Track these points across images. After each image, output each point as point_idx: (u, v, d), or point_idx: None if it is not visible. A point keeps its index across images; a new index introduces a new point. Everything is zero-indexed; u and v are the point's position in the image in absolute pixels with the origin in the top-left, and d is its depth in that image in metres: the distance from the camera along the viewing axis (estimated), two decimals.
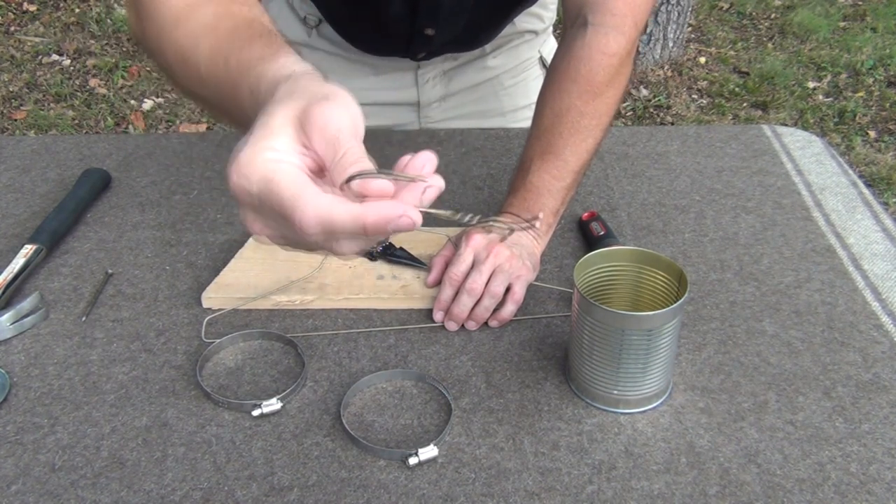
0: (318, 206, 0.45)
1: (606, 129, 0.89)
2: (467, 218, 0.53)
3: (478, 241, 0.82)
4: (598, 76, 0.85)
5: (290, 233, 0.48)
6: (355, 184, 0.47)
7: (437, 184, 0.48)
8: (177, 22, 0.61)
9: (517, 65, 1.16)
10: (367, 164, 0.47)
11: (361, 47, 1.06)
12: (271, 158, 0.47)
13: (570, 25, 0.89)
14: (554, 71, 0.89)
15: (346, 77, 1.12)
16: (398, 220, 0.46)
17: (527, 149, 0.89)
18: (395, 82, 1.12)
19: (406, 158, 0.50)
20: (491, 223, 0.63)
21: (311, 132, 0.48)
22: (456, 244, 0.85)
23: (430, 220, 0.98)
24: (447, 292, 0.81)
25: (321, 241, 0.48)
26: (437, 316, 0.82)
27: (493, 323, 0.81)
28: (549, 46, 1.20)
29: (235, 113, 0.57)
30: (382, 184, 0.47)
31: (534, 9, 1.11)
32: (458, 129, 1.16)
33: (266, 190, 0.46)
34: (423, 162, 0.49)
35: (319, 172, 0.49)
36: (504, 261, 0.81)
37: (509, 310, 0.81)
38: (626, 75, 0.89)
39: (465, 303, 0.80)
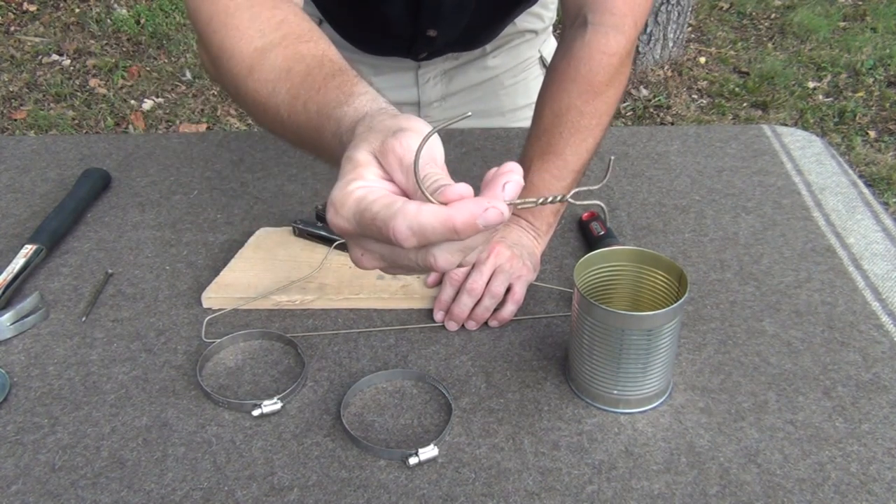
0: (406, 213, 0.45)
1: (606, 128, 0.89)
2: (550, 199, 0.53)
3: (504, 252, 0.82)
4: (598, 76, 0.85)
5: (390, 252, 0.48)
6: (436, 196, 0.47)
7: (516, 179, 0.47)
8: (251, 70, 0.62)
9: (517, 64, 1.16)
10: (450, 182, 0.48)
11: (362, 48, 1.07)
12: (361, 186, 0.48)
13: (570, 25, 0.89)
14: (553, 70, 0.89)
15: None
16: (486, 214, 0.45)
17: (527, 148, 0.89)
18: (395, 82, 1.12)
19: (492, 171, 0.49)
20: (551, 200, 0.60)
21: (391, 164, 0.48)
22: None
23: None
24: (447, 292, 0.81)
25: (419, 255, 0.48)
26: (438, 316, 0.82)
27: (492, 323, 0.81)
28: (550, 46, 1.20)
29: (321, 152, 0.58)
30: (461, 187, 0.46)
31: (534, 8, 1.11)
32: (459, 129, 1.16)
33: (360, 214, 0.47)
34: (510, 168, 0.48)
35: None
36: (505, 261, 0.81)
37: (509, 310, 0.81)
38: (626, 75, 0.89)
39: (466, 303, 0.80)
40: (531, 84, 1.19)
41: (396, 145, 0.48)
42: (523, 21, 1.11)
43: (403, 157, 0.48)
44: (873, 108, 3.17)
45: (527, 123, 1.20)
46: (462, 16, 0.98)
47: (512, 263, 0.82)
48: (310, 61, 0.60)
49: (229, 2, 0.65)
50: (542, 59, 1.18)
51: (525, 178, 0.81)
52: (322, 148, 0.58)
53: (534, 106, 1.21)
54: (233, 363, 0.78)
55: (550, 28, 1.19)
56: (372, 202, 0.47)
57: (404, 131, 0.49)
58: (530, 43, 1.15)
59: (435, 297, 0.83)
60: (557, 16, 1.10)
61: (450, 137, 1.14)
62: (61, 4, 3.93)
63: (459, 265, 0.49)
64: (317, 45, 0.62)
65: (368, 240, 0.49)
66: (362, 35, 1.05)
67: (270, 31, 0.63)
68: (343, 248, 0.90)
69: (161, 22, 3.66)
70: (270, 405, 0.72)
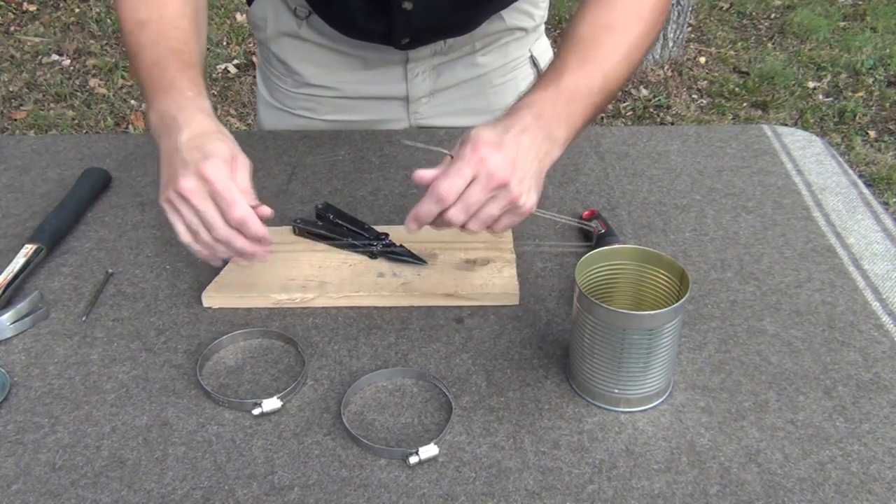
0: (245, 207, 0.72)
1: (640, 61, 0.84)
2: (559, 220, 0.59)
3: (490, 159, 0.70)
4: (644, 4, 0.83)
5: (208, 206, 0.72)
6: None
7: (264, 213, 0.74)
8: (129, 33, 0.85)
9: (507, 63, 1.15)
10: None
11: (345, 31, 1.05)
12: (227, 170, 0.73)
13: None
14: (586, 8, 0.84)
15: (335, 70, 1.12)
16: (266, 238, 0.75)
17: (562, 52, 0.81)
18: (384, 77, 1.11)
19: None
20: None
21: (238, 169, 0.75)
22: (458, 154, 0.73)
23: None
24: (428, 207, 0.72)
25: (222, 225, 0.72)
26: (411, 226, 0.75)
27: (448, 224, 0.73)
28: (541, 45, 1.20)
29: (155, 101, 0.80)
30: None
31: (524, 6, 1.10)
32: (459, 129, 1.15)
33: (226, 189, 0.71)
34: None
35: None
36: (493, 170, 0.71)
37: (474, 227, 0.73)
38: (662, 23, 0.85)
39: (430, 208, 0.72)
40: (521, 83, 1.18)
41: (245, 161, 0.76)
42: (513, 18, 1.11)
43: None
44: (873, 108, 3.17)
45: None
46: None
47: (504, 180, 0.71)
48: (173, 44, 0.82)
49: None
50: (532, 58, 1.18)
51: (558, 78, 0.79)
52: (159, 100, 0.79)
53: None
54: (233, 362, 0.78)
55: (542, 27, 1.19)
56: (231, 178, 0.72)
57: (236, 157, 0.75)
58: (520, 42, 1.15)
59: (435, 294, 0.84)
60: (553, 12, 1.08)
61: (450, 137, 1.14)
62: (61, 4, 3.93)
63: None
64: (181, 33, 0.84)
65: (205, 191, 0.72)
66: (343, 15, 1.03)
67: (151, 11, 0.85)
68: (344, 246, 0.90)
69: None
70: (271, 404, 0.72)
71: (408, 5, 0.97)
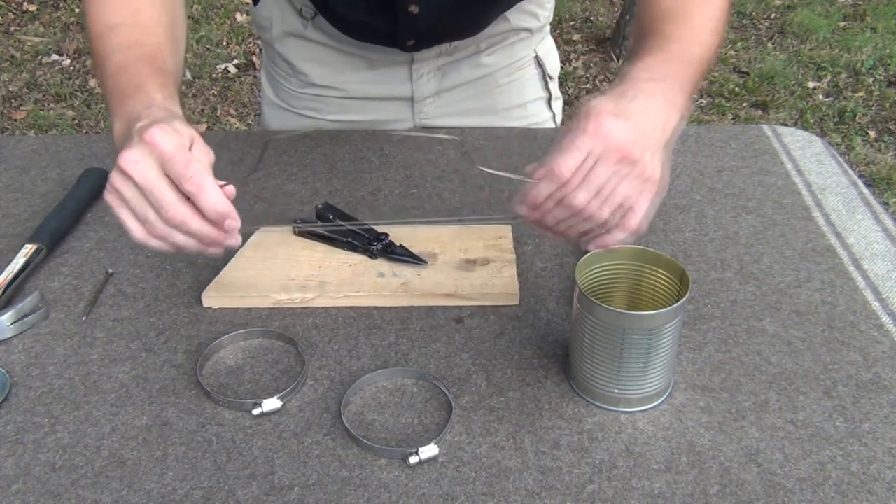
0: (204, 174, 0.62)
1: (723, 41, 0.78)
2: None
3: (614, 130, 0.61)
4: None
5: (159, 179, 0.62)
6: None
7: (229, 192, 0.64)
8: (98, 37, 0.78)
9: (511, 63, 1.15)
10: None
11: (351, 33, 1.06)
12: (184, 142, 0.64)
13: None
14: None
15: (340, 70, 1.12)
16: (232, 223, 0.64)
17: (655, 24, 0.75)
18: (389, 76, 1.12)
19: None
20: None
21: (195, 152, 0.65)
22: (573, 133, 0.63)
23: (431, 215, 0.98)
24: (544, 187, 0.62)
25: (174, 203, 0.61)
26: (524, 210, 0.65)
27: (592, 246, 0.65)
28: (546, 46, 1.20)
29: (118, 107, 0.72)
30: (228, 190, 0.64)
31: (529, 7, 1.10)
32: (458, 129, 1.16)
33: (181, 152, 0.61)
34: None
35: None
36: (619, 144, 0.61)
37: (616, 237, 0.64)
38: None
39: (543, 189, 0.61)
40: (526, 83, 1.18)
41: (207, 148, 0.66)
42: (518, 19, 1.11)
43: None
44: (873, 108, 3.17)
45: (520, 123, 1.20)
46: None
47: (630, 153, 0.61)
48: (146, 51, 0.76)
49: None
50: (537, 58, 1.18)
51: (665, 46, 0.73)
52: (122, 106, 0.71)
53: (528, 105, 1.21)
54: (233, 362, 0.78)
55: (547, 28, 1.19)
56: (202, 144, 0.64)
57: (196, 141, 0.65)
58: (525, 42, 1.15)
59: (436, 294, 0.84)
60: (555, 16, 1.09)
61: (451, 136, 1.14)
62: (61, 4, 3.93)
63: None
64: (155, 39, 0.78)
65: (156, 162, 0.61)
66: (349, 16, 1.03)
67: (124, 15, 0.78)
68: (344, 247, 0.90)
69: None
70: (271, 404, 0.72)
71: (413, 8, 0.98)
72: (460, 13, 1.02)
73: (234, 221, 0.63)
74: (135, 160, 0.61)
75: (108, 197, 0.64)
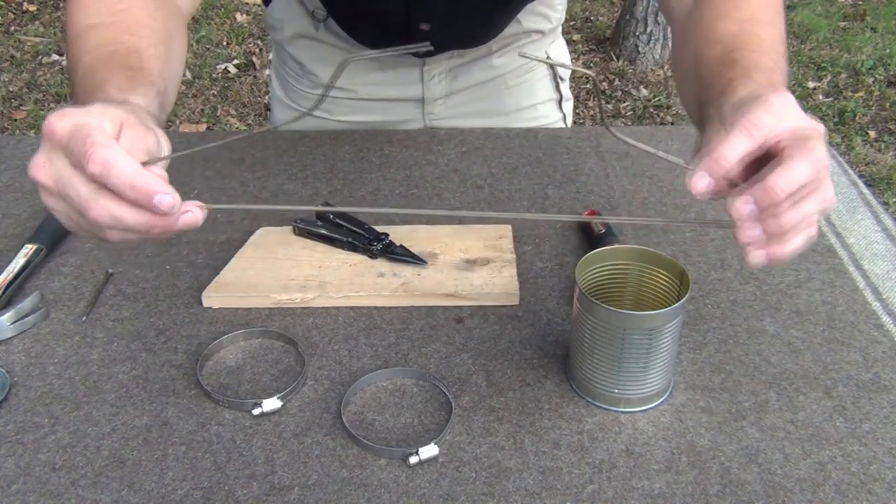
0: (110, 146, 0.50)
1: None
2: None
3: (818, 150, 0.56)
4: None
5: (68, 175, 0.51)
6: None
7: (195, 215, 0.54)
8: (76, 39, 0.70)
9: (522, 65, 1.16)
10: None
11: (362, 41, 1.07)
12: (93, 120, 0.53)
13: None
14: (693, 29, 0.74)
15: (352, 72, 1.12)
16: (163, 198, 0.51)
17: (732, 54, 0.68)
18: (399, 78, 1.12)
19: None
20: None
21: (123, 137, 0.54)
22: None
23: (428, 218, 0.98)
24: (750, 200, 0.55)
25: (92, 201, 0.51)
26: (756, 256, 0.58)
27: (755, 258, 0.58)
28: (557, 48, 1.20)
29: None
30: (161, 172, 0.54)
31: (541, 9, 1.11)
32: (459, 129, 1.16)
33: (79, 130, 0.51)
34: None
35: None
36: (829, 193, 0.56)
37: (792, 246, 0.57)
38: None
39: (788, 223, 0.55)
40: (536, 85, 1.19)
41: (146, 132, 0.55)
42: (529, 21, 1.11)
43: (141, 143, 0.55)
44: (873, 108, 3.17)
45: (530, 124, 1.20)
46: (456, 12, 0.97)
47: (824, 174, 0.55)
48: (121, 49, 0.66)
49: None
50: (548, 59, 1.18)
51: (757, 60, 0.66)
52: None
53: (538, 107, 1.21)
54: (233, 362, 0.78)
55: (559, 29, 1.19)
56: (93, 131, 0.51)
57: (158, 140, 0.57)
58: (537, 44, 1.15)
59: (436, 293, 0.84)
60: (567, 16, 1.09)
61: (451, 136, 1.14)
62: (61, 4, 3.93)
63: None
64: (139, 40, 0.68)
65: (62, 155, 0.52)
66: (361, 27, 1.04)
67: (107, 15, 0.70)
68: (344, 247, 0.90)
69: None
70: (271, 404, 0.72)
71: (425, 27, 0.98)
72: (471, 27, 1.03)
73: (166, 196, 0.51)
74: (41, 164, 0.53)
75: (41, 195, 0.55)
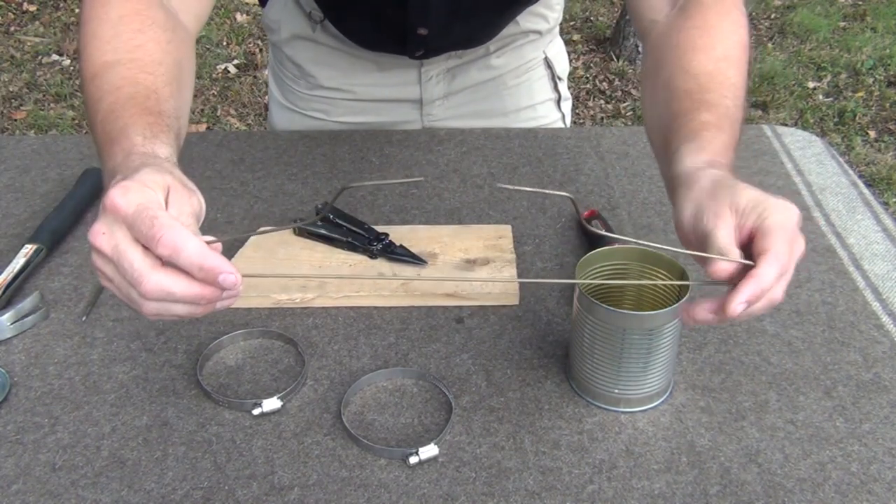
0: (176, 228, 0.53)
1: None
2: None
3: (798, 247, 0.62)
4: (735, 37, 0.76)
5: (127, 251, 0.54)
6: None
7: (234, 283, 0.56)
8: (93, 77, 0.71)
9: (521, 65, 1.16)
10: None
11: (360, 43, 1.07)
12: (154, 197, 0.56)
13: (668, 17, 0.80)
14: (667, 55, 0.78)
15: (349, 73, 1.12)
16: (226, 276, 0.54)
17: (688, 113, 0.74)
18: (398, 79, 1.12)
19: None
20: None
21: (171, 204, 0.57)
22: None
23: (428, 218, 0.98)
24: (747, 297, 0.61)
25: (147, 274, 0.54)
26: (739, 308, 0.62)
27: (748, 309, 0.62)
28: (555, 48, 1.20)
29: (107, 160, 0.65)
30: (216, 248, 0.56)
31: (538, 9, 1.11)
32: (459, 129, 1.16)
33: (145, 211, 0.54)
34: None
35: None
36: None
37: (760, 307, 0.62)
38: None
39: (759, 309, 0.62)
40: (535, 85, 1.19)
41: (190, 195, 0.59)
42: (527, 22, 1.11)
43: (184, 207, 0.58)
44: (873, 108, 3.17)
45: (529, 124, 1.20)
46: (452, 16, 0.98)
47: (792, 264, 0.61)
48: (140, 90, 0.68)
49: (103, 14, 0.73)
50: (546, 60, 1.18)
51: (707, 119, 0.73)
52: (109, 157, 0.64)
53: (537, 107, 1.21)
54: (233, 362, 0.78)
55: (556, 29, 1.19)
56: (161, 207, 0.55)
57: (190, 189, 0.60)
58: (535, 44, 1.15)
59: (436, 293, 0.84)
60: (564, 16, 1.09)
61: (451, 136, 1.14)
62: (61, 4, 3.93)
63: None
64: (154, 79, 0.70)
65: (123, 228, 0.54)
66: (358, 30, 1.05)
67: (123, 52, 0.71)
68: (344, 247, 0.90)
69: None
70: (271, 404, 0.72)
71: (423, 31, 0.98)
72: (469, 30, 1.03)
73: (230, 275, 0.55)
74: (101, 231, 0.55)
75: (99, 277, 0.58)
